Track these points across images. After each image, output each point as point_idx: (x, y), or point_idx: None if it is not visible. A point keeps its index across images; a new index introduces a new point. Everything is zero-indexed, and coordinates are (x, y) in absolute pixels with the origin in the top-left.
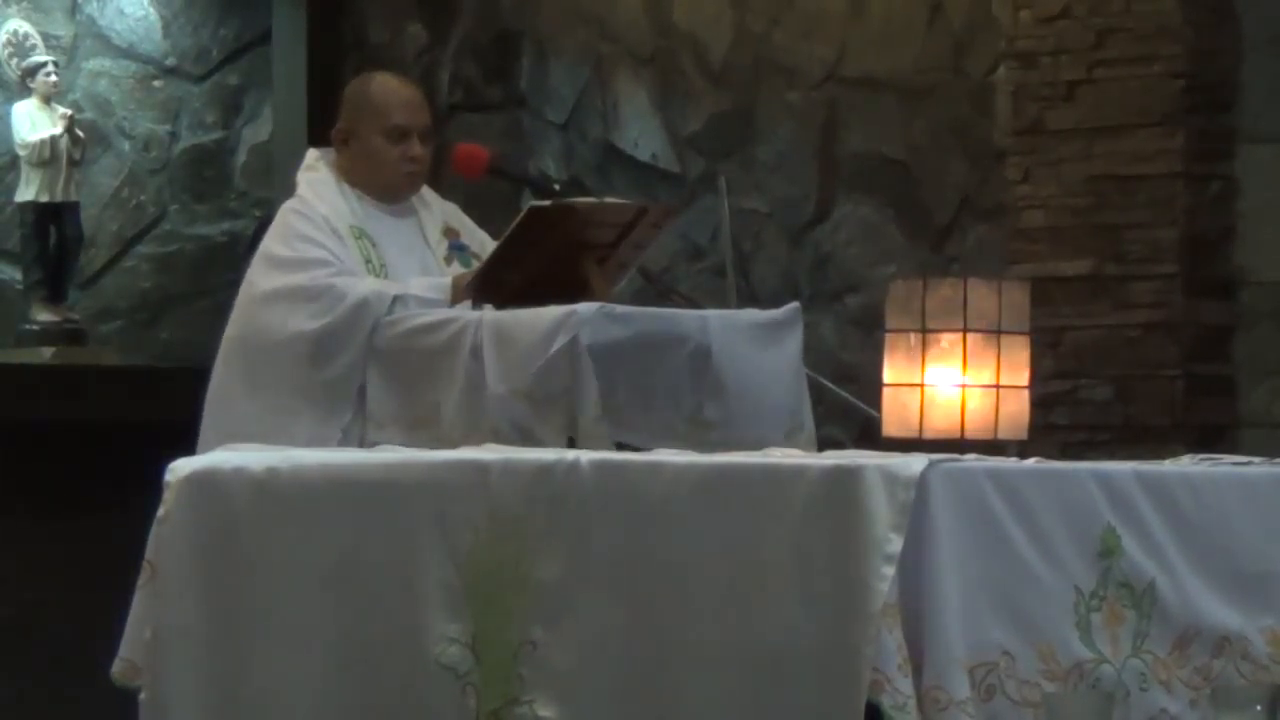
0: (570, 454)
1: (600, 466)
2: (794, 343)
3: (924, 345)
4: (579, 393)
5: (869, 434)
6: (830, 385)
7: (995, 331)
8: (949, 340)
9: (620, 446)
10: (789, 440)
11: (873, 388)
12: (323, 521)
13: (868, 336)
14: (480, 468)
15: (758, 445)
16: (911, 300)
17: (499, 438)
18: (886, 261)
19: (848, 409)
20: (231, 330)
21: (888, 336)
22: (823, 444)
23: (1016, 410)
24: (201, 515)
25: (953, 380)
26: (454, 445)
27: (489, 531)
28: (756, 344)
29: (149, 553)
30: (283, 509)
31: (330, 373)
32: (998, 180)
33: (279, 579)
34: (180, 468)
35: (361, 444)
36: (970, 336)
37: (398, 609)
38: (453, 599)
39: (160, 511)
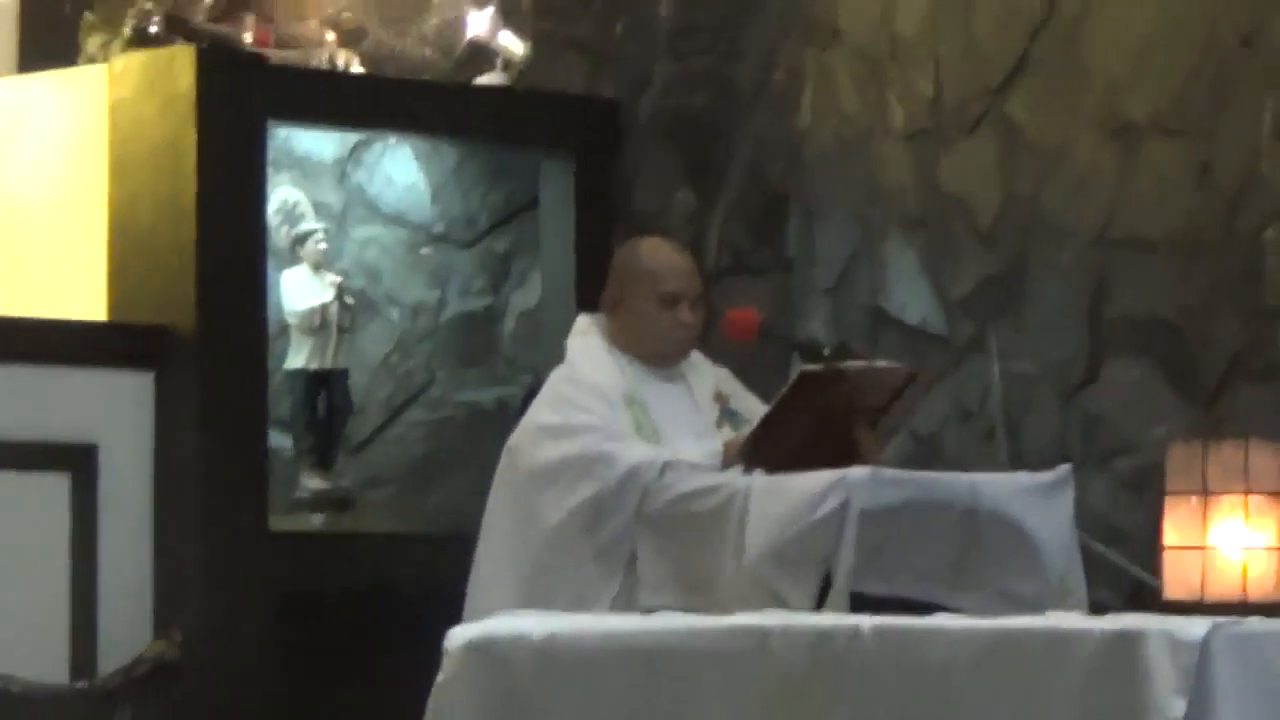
0: (851, 619)
1: (882, 632)
2: (1065, 505)
3: (1205, 507)
4: (841, 558)
5: (1139, 598)
6: (1102, 549)
7: (1279, 493)
8: (1231, 502)
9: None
10: (1061, 604)
11: (1144, 550)
12: (605, 688)
13: (1139, 498)
14: (761, 633)
15: (1032, 609)
16: (1192, 462)
17: (750, 602)
18: (1157, 423)
19: (1117, 572)
20: (498, 500)
21: (1168, 498)
22: (1092, 608)
23: None
24: (481, 682)
25: (1236, 542)
26: (729, 610)
27: (772, 696)
28: (1028, 507)
29: (429, 718)
30: (564, 675)
31: (602, 539)
32: (1270, 340)
33: None
34: (458, 635)
35: (630, 609)
36: (1253, 499)
37: None
38: None
39: (439, 679)
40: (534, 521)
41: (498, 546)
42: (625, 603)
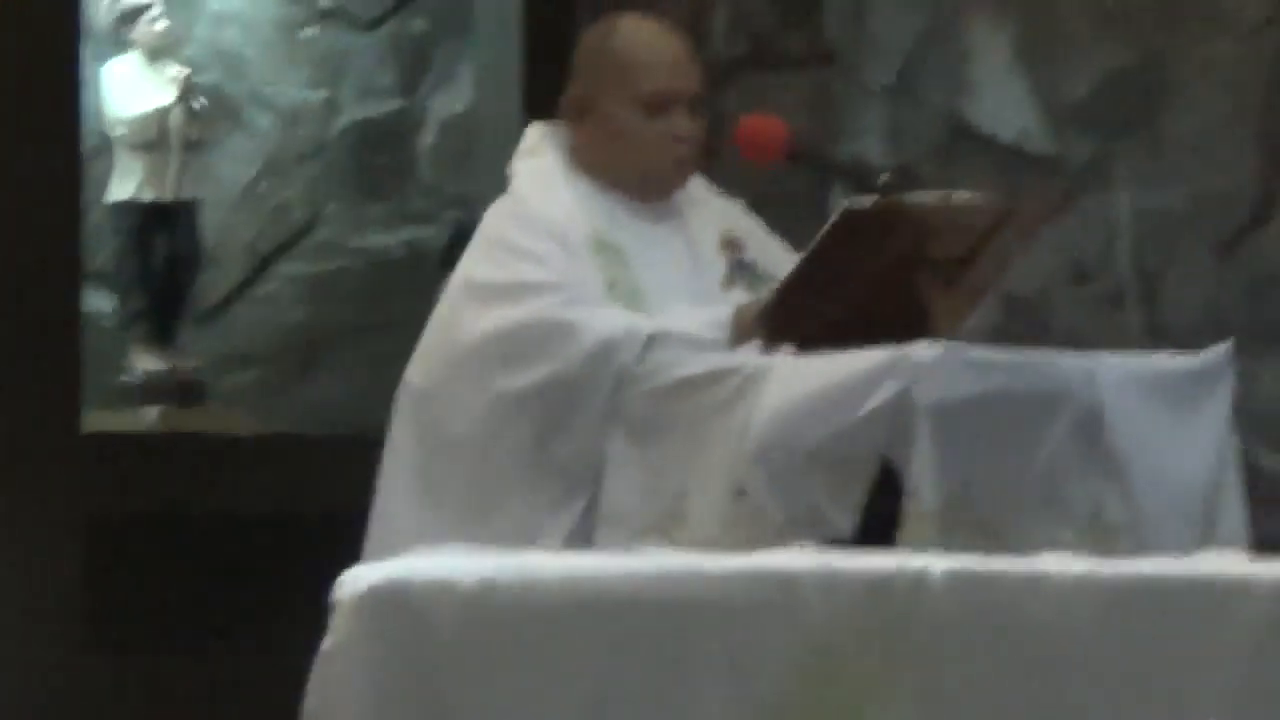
0: (914, 561)
1: (958, 579)
2: (1220, 401)
3: None
4: (911, 472)
5: None
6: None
7: None
8: None
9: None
10: (1208, 537)
11: None
12: (564, 657)
13: None
14: (787, 583)
15: (1175, 547)
16: None
17: (759, 532)
18: None
19: None
20: (417, 385)
21: None
22: (1258, 547)
23: None
24: (387, 647)
25: None
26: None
27: (802, 673)
28: (1168, 404)
29: (309, 701)
30: (505, 639)
31: (558, 446)
32: None
33: None
34: (354, 580)
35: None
36: None
37: None
38: None
39: (327, 642)
40: (463, 418)
41: (411, 456)
42: (586, 539)
